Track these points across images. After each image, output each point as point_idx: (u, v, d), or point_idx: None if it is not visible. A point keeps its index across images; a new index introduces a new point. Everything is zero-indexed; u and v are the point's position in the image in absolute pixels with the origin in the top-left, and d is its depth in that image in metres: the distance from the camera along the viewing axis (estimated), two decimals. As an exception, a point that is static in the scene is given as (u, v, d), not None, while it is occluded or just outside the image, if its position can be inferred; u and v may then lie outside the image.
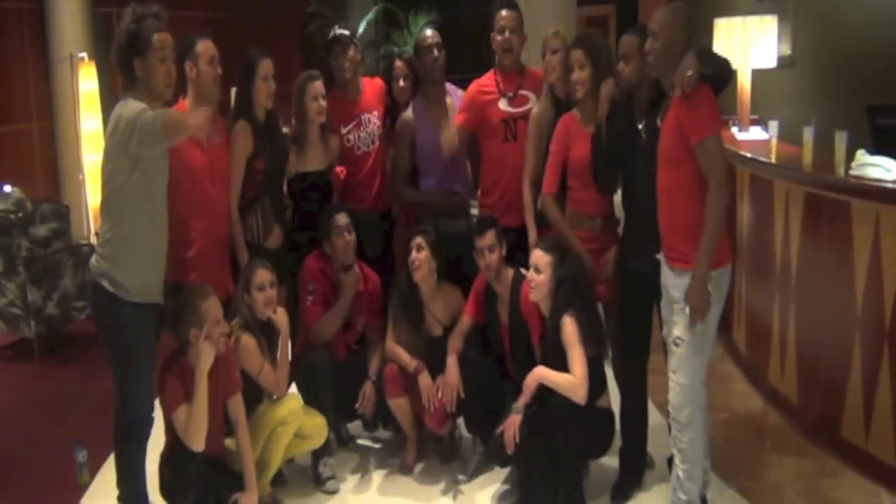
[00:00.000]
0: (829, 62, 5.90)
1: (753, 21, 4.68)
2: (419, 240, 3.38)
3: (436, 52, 3.68)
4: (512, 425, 3.06)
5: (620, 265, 3.22)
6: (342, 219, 3.44)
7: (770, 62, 4.77)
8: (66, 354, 4.98)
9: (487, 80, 3.66)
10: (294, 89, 3.56)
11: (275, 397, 3.23)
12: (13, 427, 4.13)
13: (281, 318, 3.25)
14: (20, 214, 4.93)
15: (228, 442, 3.10)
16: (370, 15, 9.75)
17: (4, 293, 4.79)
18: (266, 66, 3.39)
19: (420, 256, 3.36)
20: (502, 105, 3.59)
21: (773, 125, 4.19)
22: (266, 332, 3.23)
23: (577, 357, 2.99)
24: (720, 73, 2.73)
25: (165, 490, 2.97)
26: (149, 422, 2.96)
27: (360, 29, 9.67)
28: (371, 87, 3.91)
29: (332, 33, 3.81)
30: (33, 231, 4.86)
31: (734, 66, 4.68)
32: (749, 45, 4.70)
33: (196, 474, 2.87)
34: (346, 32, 3.83)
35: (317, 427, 3.29)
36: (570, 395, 2.98)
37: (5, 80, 7.28)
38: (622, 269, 3.21)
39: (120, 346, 2.87)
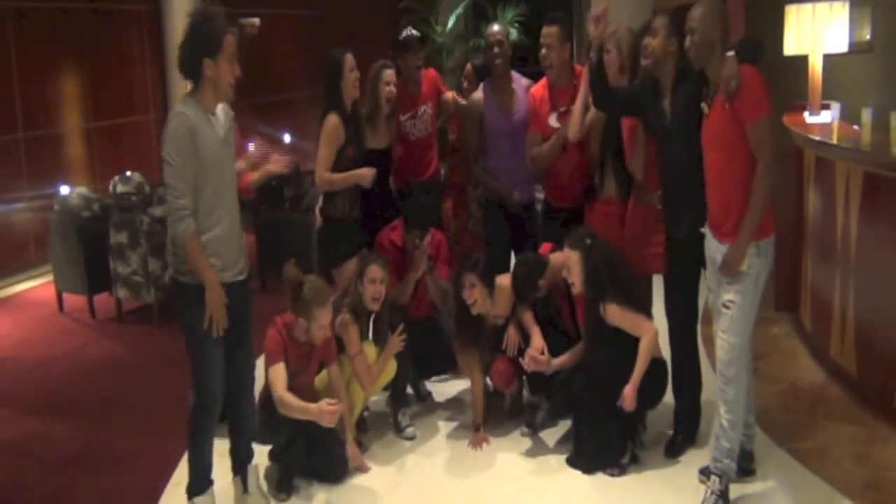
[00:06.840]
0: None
1: (823, 7, 4.76)
2: (470, 278, 3.54)
3: (496, 49, 3.97)
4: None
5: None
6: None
7: (841, 47, 4.85)
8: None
9: (542, 90, 3.82)
10: (370, 75, 3.95)
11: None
12: (136, 380, 4.71)
13: (393, 343, 3.56)
14: (140, 196, 5.56)
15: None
16: (459, 9, 10.03)
17: (129, 263, 5.39)
18: (350, 60, 3.79)
19: (474, 293, 3.56)
20: (552, 121, 3.77)
21: (836, 107, 4.31)
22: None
23: (635, 321, 3.32)
24: (753, 51, 2.93)
25: (264, 429, 3.40)
26: (220, 400, 3.05)
27: (450, 23, 10.01)
28: (427, 79, 4.26)
29: (404, 33, 4.10)
30: (151, 211, 5.43)
31: (805, 51, 4.81)
32: (820, 31, 4.79)
33: (287, 417, 3.25)
34: (417, 34, 4.15)
35: (389, 365, 3.64)
36: (655, 345, 3.33)
37: (126, 76, 8.00)
38: (665, 238, 3.42)
39: (186, 326, 2.96)
